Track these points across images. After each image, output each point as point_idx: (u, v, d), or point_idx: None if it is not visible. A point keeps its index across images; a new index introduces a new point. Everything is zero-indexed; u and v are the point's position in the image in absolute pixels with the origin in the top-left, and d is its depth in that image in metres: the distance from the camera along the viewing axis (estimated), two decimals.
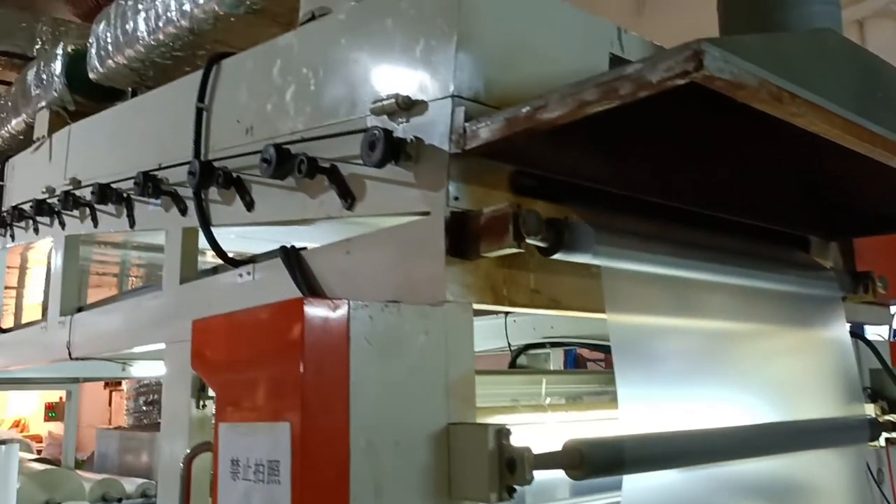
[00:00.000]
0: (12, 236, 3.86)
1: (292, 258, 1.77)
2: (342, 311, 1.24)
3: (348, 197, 1.65)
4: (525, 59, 1.57)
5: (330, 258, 1.70)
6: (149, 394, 8.90)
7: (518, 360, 3.21)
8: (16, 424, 14.22)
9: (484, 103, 1.46)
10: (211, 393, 2.14)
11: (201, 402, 2.15)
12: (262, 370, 1.27)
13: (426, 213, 1.45)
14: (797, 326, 2.05)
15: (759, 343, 1.91)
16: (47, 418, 12.86)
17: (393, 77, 1.59)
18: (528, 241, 1.33)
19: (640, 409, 1.41)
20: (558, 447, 1.29)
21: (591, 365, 4.76)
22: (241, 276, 2.00)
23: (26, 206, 3.52)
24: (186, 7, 2.41)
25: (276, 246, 2.04)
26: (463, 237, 1.40)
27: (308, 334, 1.19)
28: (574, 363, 4.92)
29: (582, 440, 1.29)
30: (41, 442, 12.63)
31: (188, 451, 1.84)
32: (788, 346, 2.00)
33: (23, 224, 3.64)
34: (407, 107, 1.50)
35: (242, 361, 1.34)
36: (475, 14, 1.47)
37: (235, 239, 2.57)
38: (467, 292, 1.41)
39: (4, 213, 3.87)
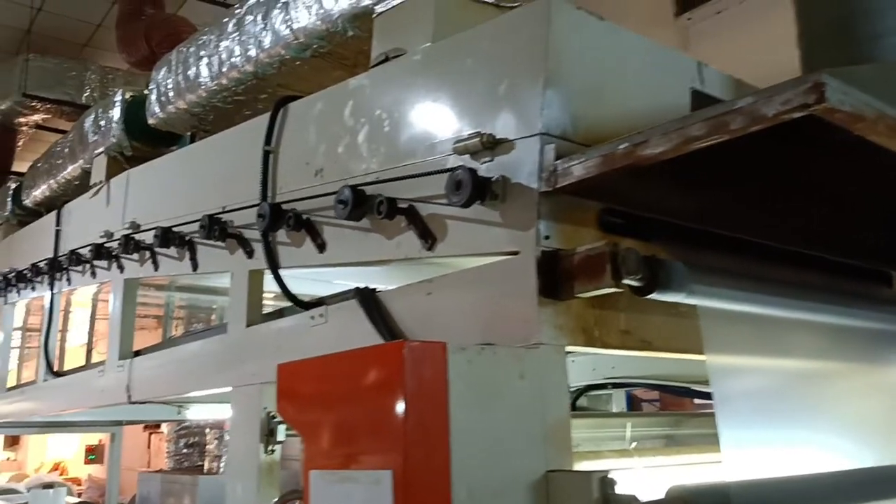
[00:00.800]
0: (69, 280, 3.91)
1: (369, 300, 1.75)
2: (440, 355, 1.20)
3: (428, 237, 1.63)
4: (609, 96, 1.55)
5: (409, 300, 1.68)
6: (189, 436, 8.87)
7: (577, 402, 3.15)
8: (55, 467, 14.31)
9: (571, 140, 1.44)
10: (280, 437, 2.11)
11: (269, 447, 2.12)
12: (359, 416, 1.24)
13: (515, 253, 1.43)
14: (885, 364, 1.97)
15: (848, 382, 1.84)
16: (87, 461, 12.91)
17: (475, 116, 1.58)
18: (626, 280, 1.30)
19: (743, 453, 1.35)
20: (652, 495, 1.24)
21: (646, 406, 4.66)
22: (312, 318, 1.98)
23: (84, 251, 3.57)
24: (252, 52, 2.45)
25: (340, 288, 2.04)
26: (555, 277, 1.37)
27: (408, 378, 1.16)
28: (629, 404, 4.82)
29: (685, 487, 1.24)
30: (80, 485, 12.67)
31: (275, 500, 1.80)
32: (878, 385, 1.92)
33: (79, 268, 3.69)
34: (492, 145, 1.48)
35: (335, 406, 1.30)
36: (562, 51, 1.46)
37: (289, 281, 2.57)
38: (560, 334, 1.38)
39: (61, 258, 3.92)
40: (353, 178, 1.90)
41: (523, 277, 1.38)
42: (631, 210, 1.55)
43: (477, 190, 1.45)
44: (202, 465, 8.36)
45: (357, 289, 1.81)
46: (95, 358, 6.78)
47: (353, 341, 1.81)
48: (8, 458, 16.60)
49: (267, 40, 2.37)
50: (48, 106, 7.51)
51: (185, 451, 8.87)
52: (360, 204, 1.77)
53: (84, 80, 7.55)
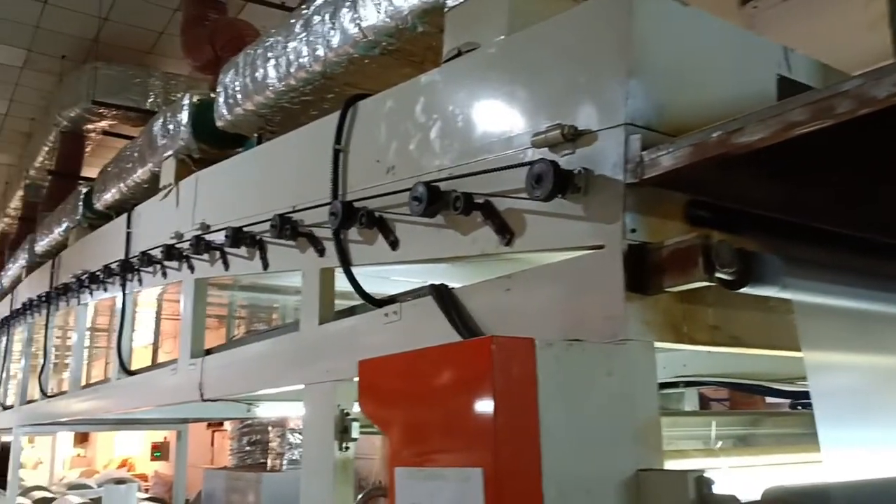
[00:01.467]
0: (140, 281, 4.01)
1: (445, 297, 1.74)
2: (528, 350, 1.18)
3: (506, 233, 1.61)
4: (694, 84, 1.50)
5: (487, 296, 1.65)
6: (252, 434, 9.03)
7: None
8: (123, 464, 14.73)
9: (656, 130, 1.40)
10: (354, 435, 2.12)
11: (344, 444, 2.13)
12: (445, 412, 1.22)
13: (599, 247, 1.39)
14: None
15: None
16: (153, 458, 13.25)
17: (554, 108, 1.55)
18: (719, 274, 1.25)
19: (844, 454, 1.29)
20: (744, 496, 1.19)
21: (714, 405, 4.55)
22: (386, 315, 1.98)
23: (155, 252, 3.66)
24: (320, 52, 2.46)
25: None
26: (643, 271, 1.33)
27: (497, 374, 1.14)
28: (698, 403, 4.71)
29: (784, 488, 1.18)
30: (147, 481, 13.02)
31: (360, 496, 1.80)
32: None
33: (150, 269, 3.78)
34: (573, 137, 1.45)
35: (420, 403, 1.29)
36: (646, 38, 1.42)
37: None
38: (648, 330, 1.34)
39: (132, 259, 4.02)
40: (425, 174, 1.89)
41: (609, 272, 1.35)
42: (717, 201, 1.50)
43: (558, 183, 1.42)
44: (265, 463, 8.50)
45: (432, 286, 1.80)
46: (161, 357, 6.97)
47: (428, 339, 1.80)
48: (78, 455, 17.19)
49: (335, 39, 2.38)
50: (114, 112, 7.74)
51: (247, 448, 9.03)
52: (435, 200, 1.76)
53: (148, 87, 7.75)
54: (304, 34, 2.56)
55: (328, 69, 2.47)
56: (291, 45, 2.64)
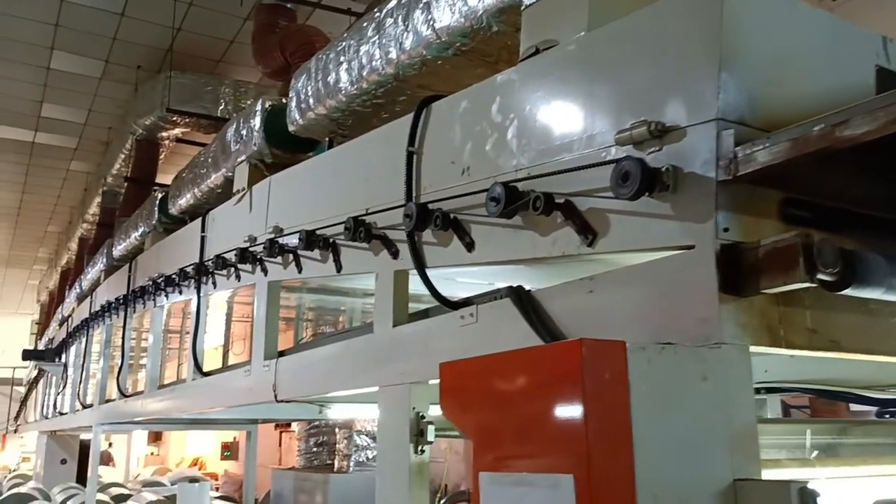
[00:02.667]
0: (214, 284, 4.09)
1: (524, 299, 1.71)
2: (619, 354, 1.14)
3: (588, 233, 1.57)
4: (789, 77, 1.44)
5: (568, 298, 1.62)
6: (319, 435, 9.14)
7: None
8: (194, 463, 15.12)
9: (749, 125, 1.34)
10: (430, 438, 2.10)
11: (419, 448, 2.12)
12: (532, 417, 1.19)
13: (689, 247, 1.34)
14: None
15: None
16: (223, 457, 13.57)
17: (638, 104, 1.50)
18: (821, 275, 1.19)
19: None
20: None
21: (794, 412, 4.38)
22: (462, 318, 1.96)
23: (229, 255, 3.73)
24: (392, 54, 2.46)
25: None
26: (737, 272, 1.28)
27: (588, 378, 1.11)
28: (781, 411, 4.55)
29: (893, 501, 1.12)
30: (217, 480, 13.33)
31: (443, 501, 1.79)
32: None
33: (224, 272, 3.85)
34: (660, 133, 1.40)
35: (506, 406, 1.26)
36: (738, 30, 1.36)
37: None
38: (743, 333, 1.28)
39: (207, 262, 4.12)
40: (502, 174, 1.86)
41: (701, 273, 1.30)
42: (814, 199, 1.44)
43: (645, 181, 1.38)
44: (332, 464, 8.59)
45: (509, 288, 1.77)
46: (231, 359, 7.11)
47: (505, 342, 1.77)
48: (151, 453, 17.73)
49: (408, 41, 2.37)
50: (187, 120, 7.95)
51: (314, 449, 9.15)
52: (513, 201, 1.73)
53: (219, 94, 7.94)
54: (376, 37, 2.56)
55: (401, 71, 2.47)
56: (364, 48, 2.65)
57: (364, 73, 2.66)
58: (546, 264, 2.19)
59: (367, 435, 7.91)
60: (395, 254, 2.33)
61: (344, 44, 2.84)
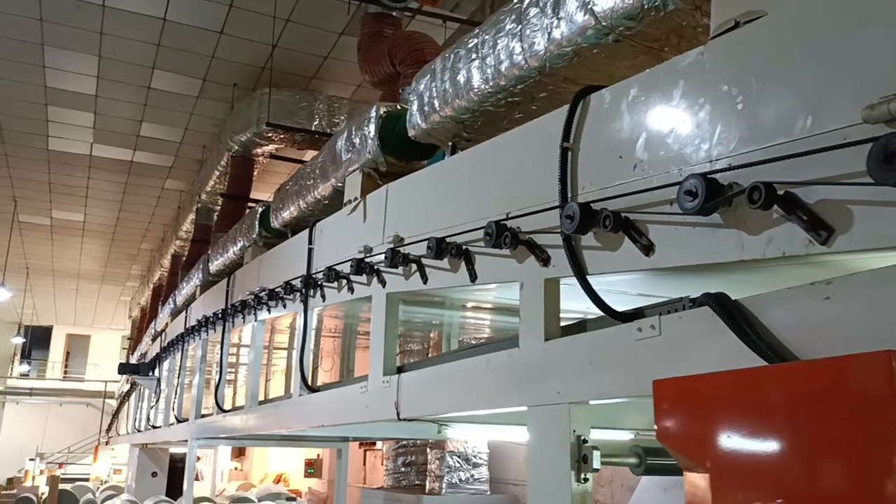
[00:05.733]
0: (323, 297, 3.97)
1: (731, 308, 1.47)
2: None
3: (821, 229, 1.33)
4: None
5: (794, 306, 1.37)
6: (407, 455, 8.97)
7: None
8: (278, 479, 15.18)
9: None
10: (595, 465, 1.88)
11: (583, 475, 1.89)
12: (819, 445, 0.96)
13: None
14: None
15: None
16: (307, 475, 13.54)
17: (884, 77, 1.26)
18: None
19: None
20: None
21: None
22: (639, 330, 1.74)
23: (341, 267, 3.60)
24: (539, 46, 2.27)
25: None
26: None
27: None
28: None
29: None
30: (300, 496, 13.31)
31: None
32: None
33: (335, 284, 3.72)
34: None
35: (772, 435, 1.03)
36: None
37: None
38: None
39: (315, 275, 4.00)
40: (690, 167, 1.64)
41: None
42: None
43: None
44: (420, 485, 8.39)
45: (708, 296, 1.54)
46: (321, 376, 7.01)
47: (701, 358, 1.54)
48: (235, 468, 17.94)
49: (559, 30, 2.18)
50: (282, 136, 7.98)
51: (402, 469, 8.97)
52: (714, 195, 1.51)
53: (313, 110, 7.96)
54: (517, 29, 2.38)
55: (548, 64, 2.28)
56: (501, 42, 2.48)
57: (502, 69, 2.48)
58: (720, 271, 1.96)
59: (459, 456, 7.69)
60: (545, 260, 2.13)
61: (475, 40, 2.67)
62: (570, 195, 2.02)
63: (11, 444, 22.34)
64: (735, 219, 1.51)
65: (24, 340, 24.19)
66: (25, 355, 24.67)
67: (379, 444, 10.93)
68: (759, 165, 1.45)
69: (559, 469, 1.91)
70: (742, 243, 1.49)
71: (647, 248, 1.75)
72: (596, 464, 1.87)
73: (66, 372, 24.69)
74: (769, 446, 1.01)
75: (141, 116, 9.59)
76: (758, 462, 1.03)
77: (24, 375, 24.45)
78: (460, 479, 7.62)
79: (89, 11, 7.23)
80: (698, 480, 1.13)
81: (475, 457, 7.77)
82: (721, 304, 1.49)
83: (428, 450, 8.05)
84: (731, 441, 1.07)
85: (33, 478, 18.80)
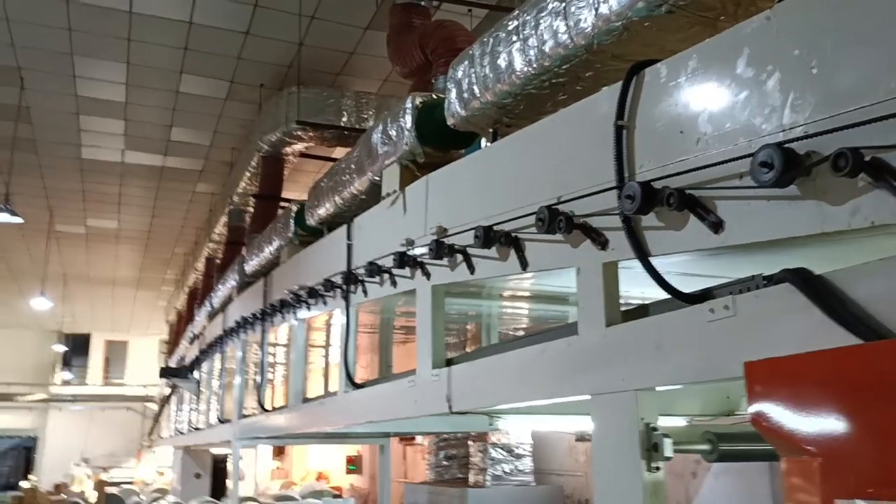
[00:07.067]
0: (365, 292, 3.93)
1: (816, 284, 1.39)
2: None
3: None
4: None
5: (888, 279, 1.29)
6: (448, 448, 8.94)
7: None
8: (320, 477, 15.25)
9: None
10: (667, 453, 1.81)
11: (653, 464, 1.82)
12: None
13: None
14: None
15: None
16: (348, 471, 13.59)
17: None
18: None
19: None
20: None
21: None
22: (712, 311, 1.66)
23: (382, 261, 3.55)
24: (585, 23, 2.20)
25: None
26: None
27: None
28: None
29: None
30: (342, 493, 13.36)
31: None
32: None
33: (377, 279, 3.68)
34: None
35: (881, 415, 0.96)
36: None
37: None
38: None
39: (356, 270, 3.96)
40: (761, 137, 1.56)
41: None
42: None
43: None
44: (464, 478, 8.36)
45: (788, 271, 1.47)
46: (358, 372, 6.98)
47: (782, 338, 1.46)
48: (277, 467, 18.07)
49: (607, 5, 2.11)
50: (311, 134, 7.96)
51: (444, 463, 8.94)
52: (792, 165, 1.43)
53: (341, 107, 7.93)
54: (561, 7, 2.31)
55: (596, 41, 2.20)
56: (545, 22, 2.41)
57: (546, 49, 2.41)
58: (785, 247, 1.87)
59: (502, 448, 7.63)
60: (602, 244, 2.06)
61: (515, 22, 2.60)
62: (626, 175, 1.95)
63: (57, 450, 22.76)
64: (815, 189, 1.43)
65: (67, 349, 24.61)
66: (66, 363, 25.10)
67: (419, 439, 10.92)
68: (839, 131, 1.36)
69: (628, 459, 1.85)
70: (824, 214, 1.42)
71: (716, 225, 1.67)
72: (668, 452, 1.80)
73: (106, 378, 25.07)
74: (878, 427, 0.94)
75: (170, 121, 9.64)
76: (866, 445, 0.96)
77: (67, 382, 24.89)
78: (504, 471, 7.57)
79: (117, 18, 7.26)
80: (800, 466, 1.06)
81: (518, 447, 7.70)
82: (805, 280, 1.41)
83: (469, 442, 8.01)
84: (836, 423, 1.00)
85: (80, 482, 19.14)
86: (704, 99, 1.74)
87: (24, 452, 24.41)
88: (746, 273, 1.72)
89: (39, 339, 24.33)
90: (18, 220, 10.12)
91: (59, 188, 12.10)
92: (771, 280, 1.56)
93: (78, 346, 25.07)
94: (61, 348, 24.45)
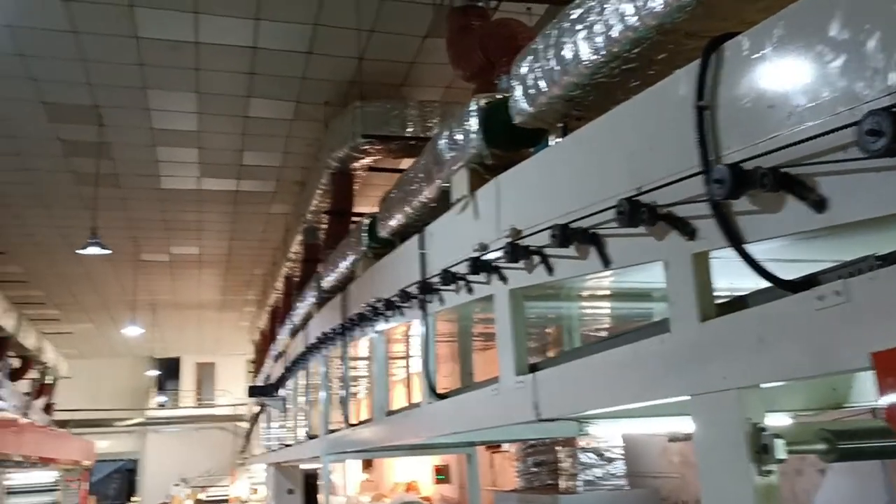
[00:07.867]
0: (441, 300, 3.87)
1: None
2: None
3: None
4: None
5: None
6: (536, 455, 8.78)
7: None
8: (409, 487, 15.28)
9: None
10: (779, 455, 1.67)
11: (764, 467, 1.69)
12: None
13: None
14: None
15: None
16: (437, 481, 13.56)
17: None
18: None
19: None
20: None
21: None
22: (821, 299, 1.52)
23: (456, 268, 3.48)
24: (655, 1, 2.08)
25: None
26: None
27: None
28: None
29: None
30: (431, 503, 13.33)
31: None
32: None
33: (453, 287, 3.61)
34: None
35: None
36: None
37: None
38: None
39: (431, 279, 3.91)
40: (864, 104, 1.42)
41: None
42: None
43: None
44: (553, 484, 8.19)
45: None
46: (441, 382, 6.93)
47: None
48: (367, 479, 18.22)
49: None
50: (377, 147, 7.99)
51: (533, 469, 8.78)
52: None
53: (406, 117, 7.93)
54: None
55: (667, 19, 2.08)
56: (610, 6, 2.30)
57: (614, 35, 2.30)
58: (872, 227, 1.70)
59: (592, 452, 7.44)
60: (690, 234, 1.93)
61: (579, 10, 2.49)
62: (712, 158, 1.83)
63: (157, 471, 23.61)
64: None
65: (159, 373, 25.54)
66: (160, 386, 26.04)
67: (506, 446, 10.79)
68: None
69: (736, 462, 1.71)
70: None
71: (819, 204, 1.53)
72: (780, 454, 1.66)
73: (198, 399, 25.87)
74: None
75: (241, 146, 9.85)
76: None
77: (161, 405, 25.81)
78: (596, 476, 7.37)
79: (184, 50, 7.46)
80: None
81: (609, 451, 7.49)
82: None
83: (557, 448, 7.85)
84: None
85: (180, 502, 19.74)
86: (794, 69, 1.61)
87: (127, 475, 25.45)
88: (849, 256, 1.57)
89: (133, 365, 25.34)
90: (107, 251, 10.52)
91: (141, 218, 12.54)
92: (887, 260, 1.41)
93: (169, 370, 25.99)
94: (154, 373, 25.38)
